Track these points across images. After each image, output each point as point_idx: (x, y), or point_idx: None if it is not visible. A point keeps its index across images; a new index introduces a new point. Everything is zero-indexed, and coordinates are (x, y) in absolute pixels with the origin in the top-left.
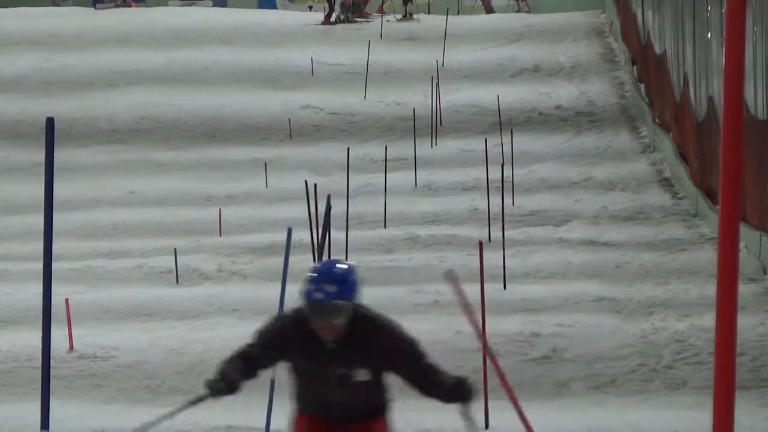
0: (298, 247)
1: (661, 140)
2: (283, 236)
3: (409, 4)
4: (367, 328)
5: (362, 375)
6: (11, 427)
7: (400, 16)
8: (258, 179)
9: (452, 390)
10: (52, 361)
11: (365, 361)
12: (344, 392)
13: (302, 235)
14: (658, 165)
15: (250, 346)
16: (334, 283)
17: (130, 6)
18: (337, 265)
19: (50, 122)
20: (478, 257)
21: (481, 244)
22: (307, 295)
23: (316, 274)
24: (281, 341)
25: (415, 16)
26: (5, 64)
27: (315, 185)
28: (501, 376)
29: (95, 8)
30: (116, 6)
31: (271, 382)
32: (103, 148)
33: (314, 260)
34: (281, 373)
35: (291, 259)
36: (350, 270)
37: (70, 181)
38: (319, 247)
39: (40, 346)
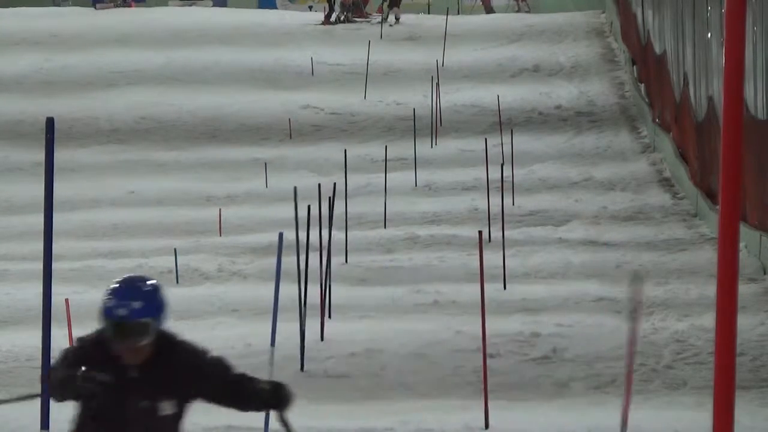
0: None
1: (661, 140)
2: (284, 236)
3: (395, 8)
4: (173, 351)
5: (167, 408)
6: (11, 427)
7: (380, 18)
8: (258, 179)
9: (270, 395)
10: (52, 361)
11: (172, 390)
12: (145, 429)
13: (302, 236)
14: (658, 165)
15: (57, 369)
16: (139, 299)
17: (130, 6)
18: (143, 281)
19: (50, 122)
20: (477, 257)
21: (480, 233)
22: (109, 312)
23: (118, 289)
24: (81, 366)
25: (399, 21)
26: (5, 64)
27: (319, 185)
28: (630, 366)
29: (95, 8)
30: (116, 6)
31: None
32: (103, 148)
33: (298, 259)
34: (275, 371)
35: (293, 259)
36: (157, 286)
37: (70, 181)
38: (299, 248)
39: (40, 346)
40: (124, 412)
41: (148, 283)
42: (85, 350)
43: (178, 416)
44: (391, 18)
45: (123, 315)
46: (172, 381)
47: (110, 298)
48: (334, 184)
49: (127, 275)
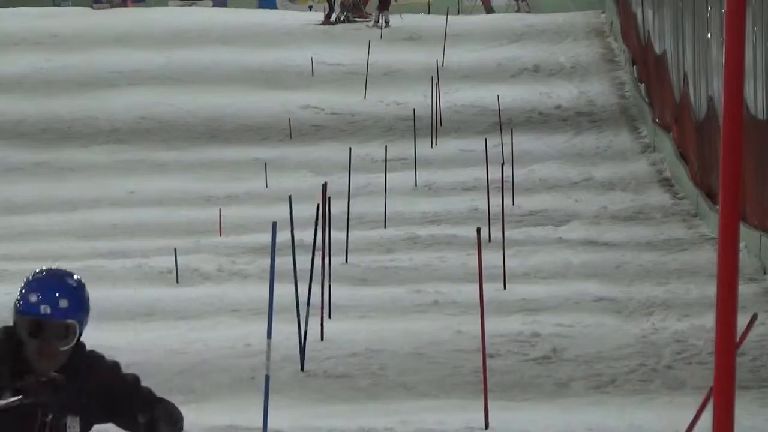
0: (299, 247)
1: (661, 140)
2: (283, 237)
3: (384, 11)
4: (88, 362)
5: (74, 425)
6: None
7: (371, 23)
8: (258, 179)
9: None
10: None
11: (81, 406)
12: None
13: (302, 236)
14: (658, 165)
15: None
16: (66, 297)
17: (126, 6)
18: (70, 276)
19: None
20: (477, 257)
21: (479, 231)
22: (30, 308)
23: (43, 283)
24: None
25: (389, 24)
26: (5, 64)
27: (325, 183)
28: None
29: (92, 8)
30: (112, 6)
31: (266, 379)
32: (103, 148)
33: (294, 259)
34: (275, 370)
35: (291, 259)
36: (83, 285)
37: (70, 181)
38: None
39: None
40: (27, 427)
41: (75, 278)
42: None
43: None
44: (381, 21)
45: (47, 313)
46: (84, 396)
47: (32, 291)
48: (325, 183)
49: (49, 268)
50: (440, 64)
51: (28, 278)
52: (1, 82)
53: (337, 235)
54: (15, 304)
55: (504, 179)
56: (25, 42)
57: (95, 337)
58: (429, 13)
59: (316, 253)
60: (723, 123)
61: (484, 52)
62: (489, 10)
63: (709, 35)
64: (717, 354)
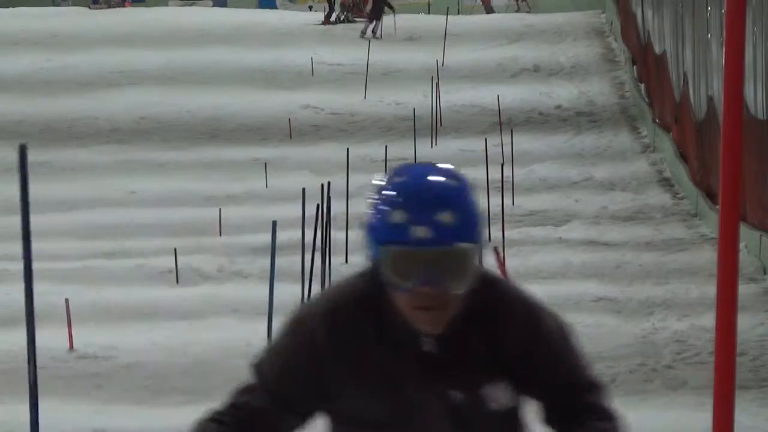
0: (299, 247)
1: (661, 140)
2: (284, 236)
3: (375, 22)
4: (495, 301)
5: (497, 396)
6: (8, 428)
7: (368, 29)
8: (258, 179)
9: None
10: (51, 360)
11: (498, 366)
12: None
13: (308, 236)
14: (658, 165)
15: (243, 407)
16: (451, 208)
17: (124, 6)
18: (446, 173)
19: (23, 150)
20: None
21: (496, 249)
22: (393, 233)
23: (410, 191)
24: (317, 370)
25: (375, 35)
26: (5, 64)
27: (326, 184)
28: None
29: (89, 8)
30: (109, 6)
31: None
32: (103, 148)
33: (303, 258)
34: None
35: (291, 259)
36: (466, 184)
37: (70, 181)
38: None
39: (39, 346)
40: (424, 412)
41: (452, 172)
42: (326, 328)
43: (514, 411)
44: (369, 32)
45: (422, 238)
46: (497, 351)
47: (394, 206)
48: (326, 182)
49: (408, 165)
50: (440, 64)
51: (379, 186)
52: (1, 82)
53: (337, 235)
54: (367, 230)
55: (504, 179)
56: (25, 42)
57: (94, 337)
58: (429, 13)
59: (316, 253)
60: (723, 123)
61: (484, 52)
62: (489, 10)
63: (709, 35)
64: (717, 354)
